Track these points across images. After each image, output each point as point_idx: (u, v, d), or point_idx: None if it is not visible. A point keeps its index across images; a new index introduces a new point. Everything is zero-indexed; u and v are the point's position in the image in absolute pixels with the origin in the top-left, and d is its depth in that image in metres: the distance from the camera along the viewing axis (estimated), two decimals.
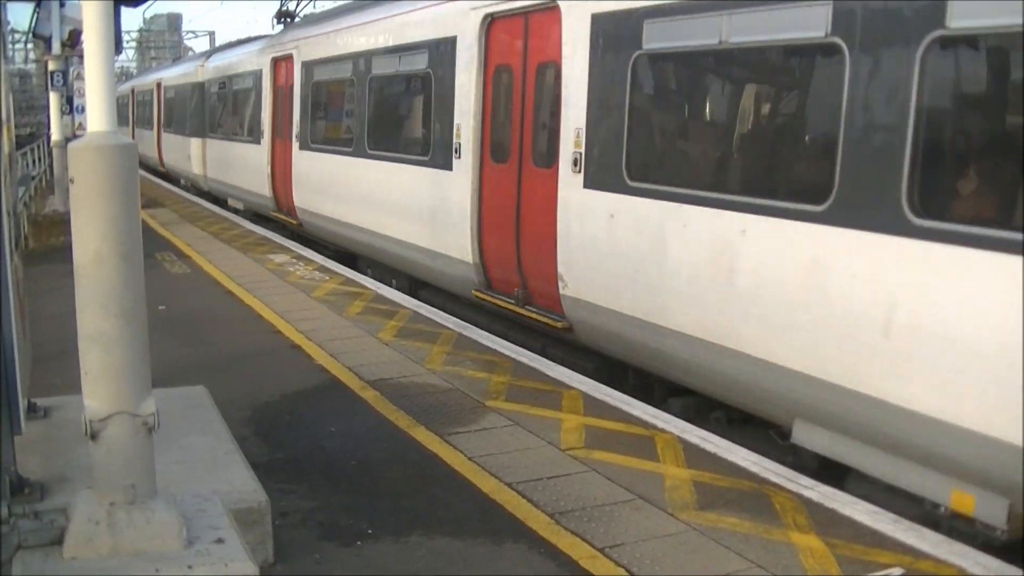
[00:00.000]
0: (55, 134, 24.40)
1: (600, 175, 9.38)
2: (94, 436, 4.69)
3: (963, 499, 6.24)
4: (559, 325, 10.18)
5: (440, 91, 12.65)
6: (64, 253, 14.98)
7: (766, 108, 8.18)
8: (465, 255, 11.98)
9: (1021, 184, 5.80)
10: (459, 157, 12.11)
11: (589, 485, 6.67)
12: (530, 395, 8.61)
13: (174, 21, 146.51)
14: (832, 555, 5.67)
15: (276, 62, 20.89)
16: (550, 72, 10.40)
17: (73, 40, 20.99)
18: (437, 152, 12.73)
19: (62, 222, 19.84)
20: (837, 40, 6.78)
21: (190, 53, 59.19)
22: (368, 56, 15.47)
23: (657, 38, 8.63)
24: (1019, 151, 5.73)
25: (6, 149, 5.87)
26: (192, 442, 6.29)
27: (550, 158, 10.32)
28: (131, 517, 4.69)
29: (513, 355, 9.93)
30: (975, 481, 6.13)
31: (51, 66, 23.20)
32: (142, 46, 79.27)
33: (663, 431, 7.73)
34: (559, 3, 9.96)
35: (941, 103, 6.38)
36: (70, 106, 23.78)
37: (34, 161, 32.62)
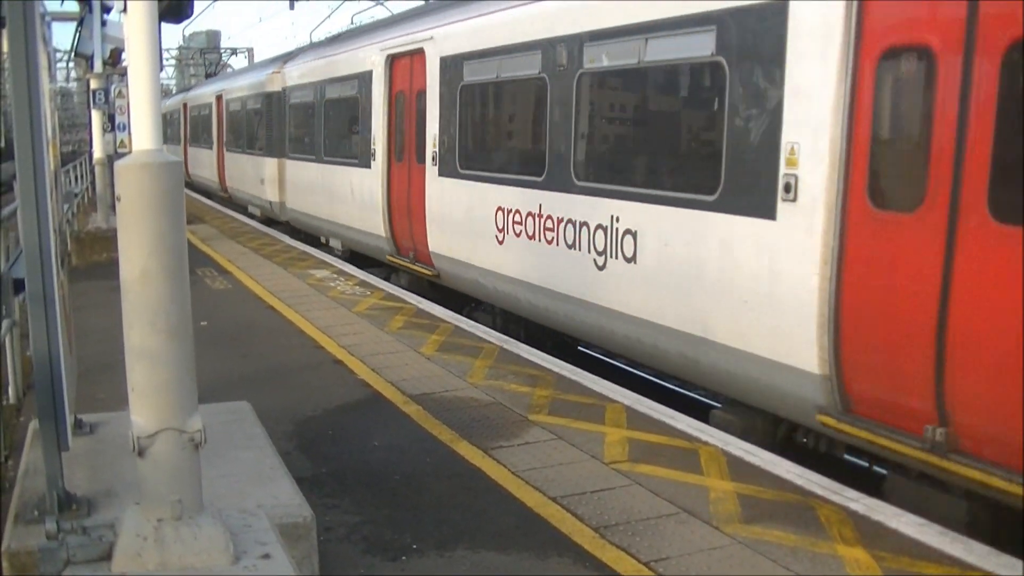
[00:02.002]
0: (97, 152, 24.59)
1: None
2: (141, 452, 4.71)
3: None
4: None
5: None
6: (107, 269, 15.19)
7: None
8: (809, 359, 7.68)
9: None
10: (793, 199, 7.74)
11: (633, 499, 6.64)
12: (573, 408, 8.59)
13: (213, 38, 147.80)
14: (879, 567, 5.62)
15: (395, 60, 16.23)
16: None
17: (115, 59, 21.20)
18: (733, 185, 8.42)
19: (104, 239, 19.97)
20: None
21: (229, 70, 59.57)
22: (579, 41, 10.64)
23: None
24: None
25: (52, 167, 5.92)
26: (237, 457, 6.30)
27: None
28: (178, 532, 4.70)
29: (556, 369, 9.91)
30: None
31: (93, 84, 23.40)
32: (181, 63, 79.86)
33: (707, 444, 7.69)
34: None
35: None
36: (112, 124, 23.98)
37: (76, 178, 32.86)
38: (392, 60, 15.84)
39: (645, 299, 9.60)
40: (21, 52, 4.87)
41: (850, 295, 7.28)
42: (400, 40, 15.50)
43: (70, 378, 5.80)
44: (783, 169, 7.77)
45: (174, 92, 64.61)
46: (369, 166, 16.53)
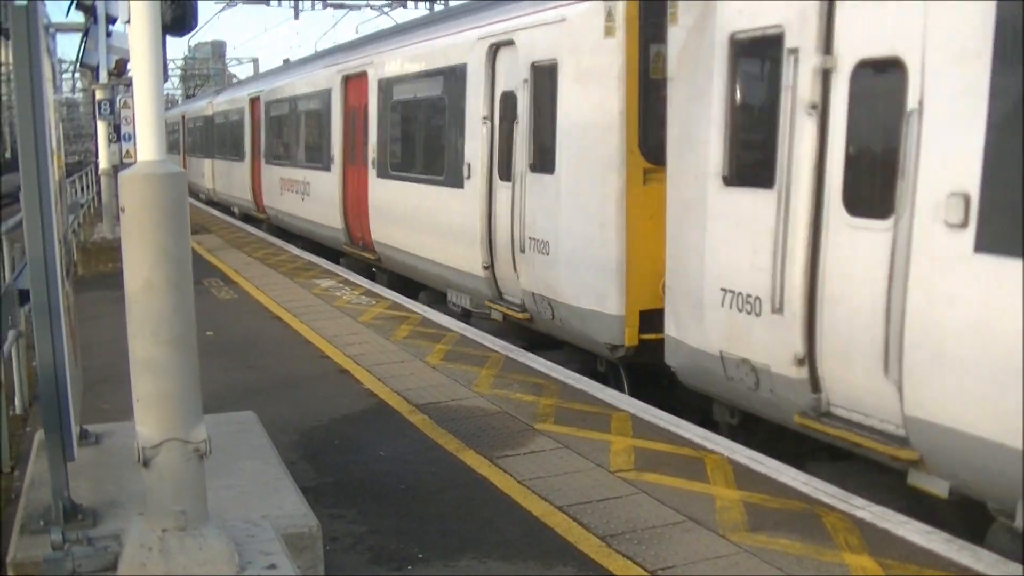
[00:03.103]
0: (103, 162, 24.66)
1: None
2: (146, 463, 4.70)
3: None
4: None
5: None
6: (112, 280, 15.28)
7: None
8: None
9: None
10: (333, 162, 20.31)
11: (639, 507, 6.63)
12: (578, 417, 8.58)
13: (218, 49, 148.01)
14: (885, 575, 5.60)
15: (252, 101, 31.30)
16: None
17: (120, 69, 21.24)
18: None
19: (110, 249, 20.04)
20: None
21: (235, 80, 60.04)
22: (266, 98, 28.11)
23: None
24: None
25: (57, 177, 5.93)
26: (242, 467, 6.30)
27: None
28: (183, 543, 4.69)
29: (561, 378, 9.90)
30: None
31: (98, 95, 23.49)
32: (187, 74, 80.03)
33: (712, 452, 7.68)
34: None
35: None
36: (117, 134, 24.04)
37: (82, 189, 32.96)
38: (252, 101, 28.62)
39: (315, 212, 20.95)
40: (25, 63, 4.88)
41: (347, 200, 18.60)
42: (254, 89, 29.13)
43: (75, 389, 5.80)
44: (330, 152, 19.49)
45: (179, 102, 65.41)
46: (244, 160, 29.64)
